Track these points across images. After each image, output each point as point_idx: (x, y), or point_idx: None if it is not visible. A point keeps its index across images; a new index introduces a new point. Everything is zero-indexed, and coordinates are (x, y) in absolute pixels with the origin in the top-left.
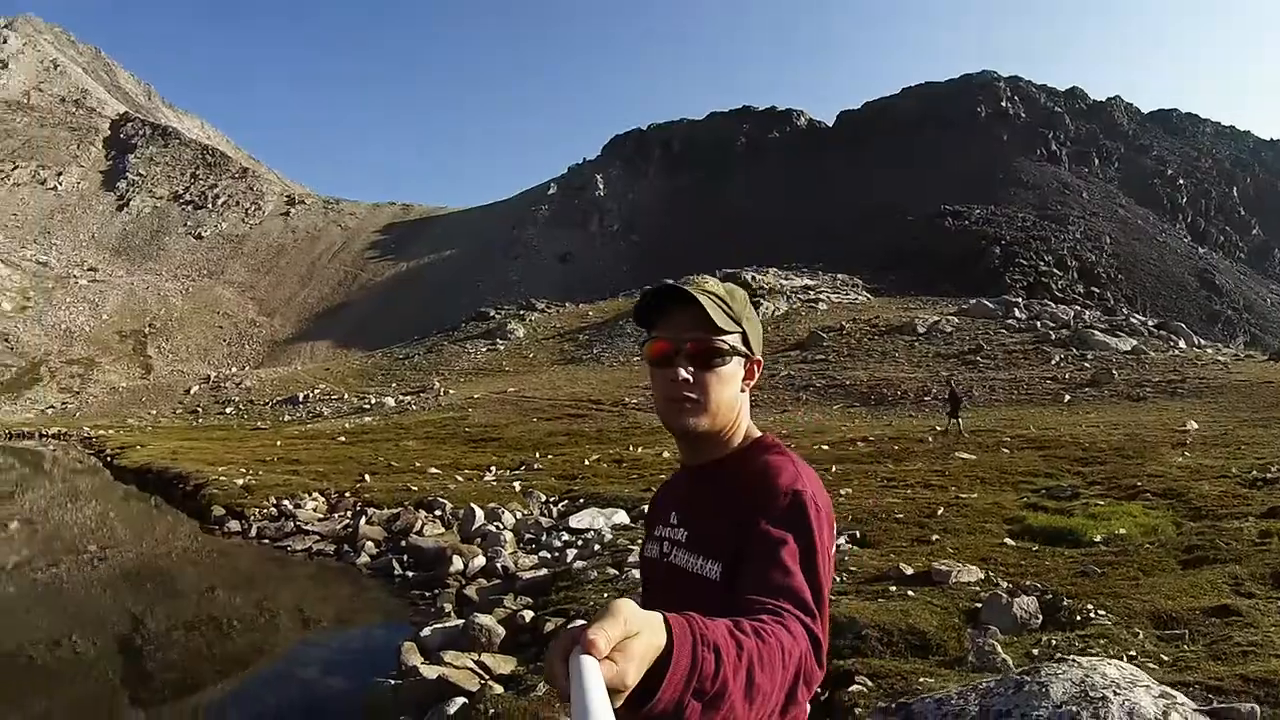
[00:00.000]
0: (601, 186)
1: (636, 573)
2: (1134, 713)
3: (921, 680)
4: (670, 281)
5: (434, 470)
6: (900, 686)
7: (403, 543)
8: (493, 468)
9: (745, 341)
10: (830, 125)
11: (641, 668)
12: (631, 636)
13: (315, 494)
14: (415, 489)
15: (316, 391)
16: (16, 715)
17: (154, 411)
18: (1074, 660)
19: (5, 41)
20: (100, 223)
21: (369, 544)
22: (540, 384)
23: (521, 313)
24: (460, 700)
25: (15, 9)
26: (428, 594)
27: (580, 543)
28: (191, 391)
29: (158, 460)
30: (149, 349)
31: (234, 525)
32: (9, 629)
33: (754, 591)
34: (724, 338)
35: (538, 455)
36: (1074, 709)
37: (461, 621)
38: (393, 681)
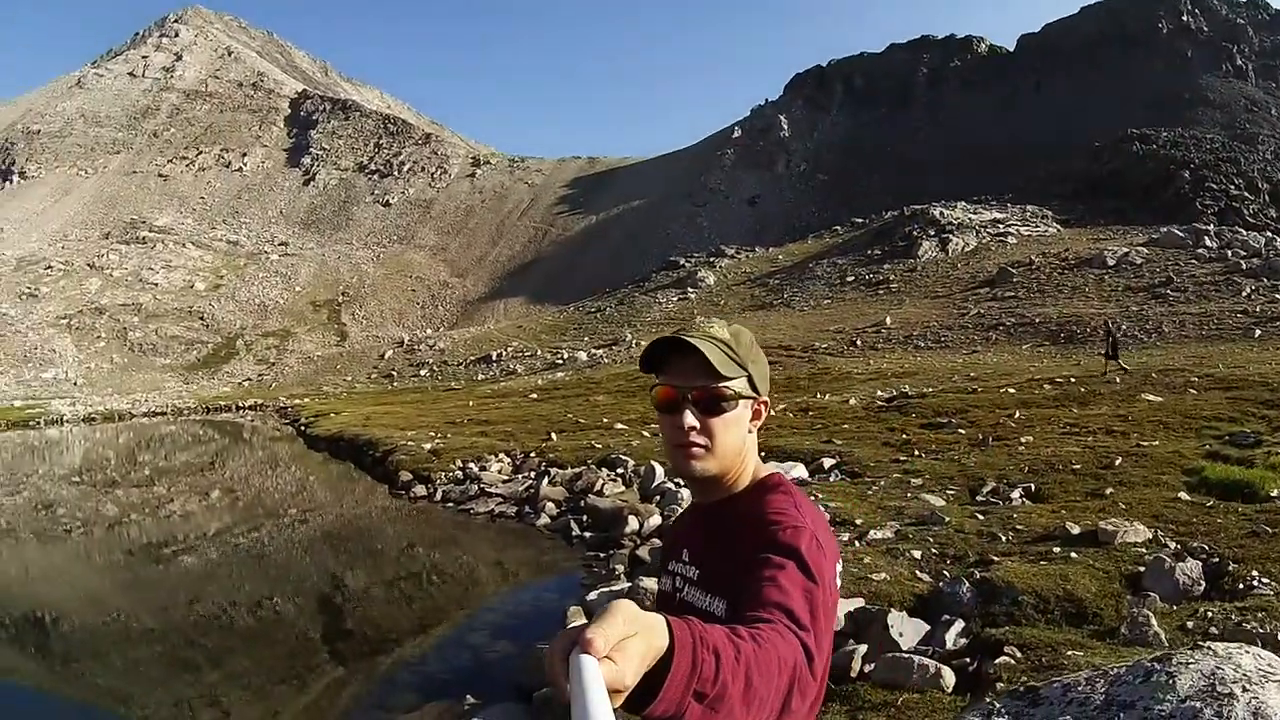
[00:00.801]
0: (785, 127)
1: None
2: (1259, 713)
3: (1069, 654)
4: (672, 334)
5: (620, 426)
6: (1047, 660)
7: (581, 503)
8: None
9: (751, 384)
10: (1010, 50)
11: (641, 668)
12: (631, 637)
13: (501, 455)
14: (599, 446)
15: (510, 349)
16: (225, 668)
17: (349, 378)
18: (1210, 648)
19: (177, 35)
20: (288, 199)
21: (549, 505)
22: None
23: (711, 260)
24: None
25: (183, 1)
26: (602, 555)
27: None
28: (386, 356)
29: (349, 427)
30: (343, 316)
31: (420, 490)
32: (216, 589)
33: (750, 608)
34: (729, 383)
35: None
36: (1197, 705)
37: (628, 585)
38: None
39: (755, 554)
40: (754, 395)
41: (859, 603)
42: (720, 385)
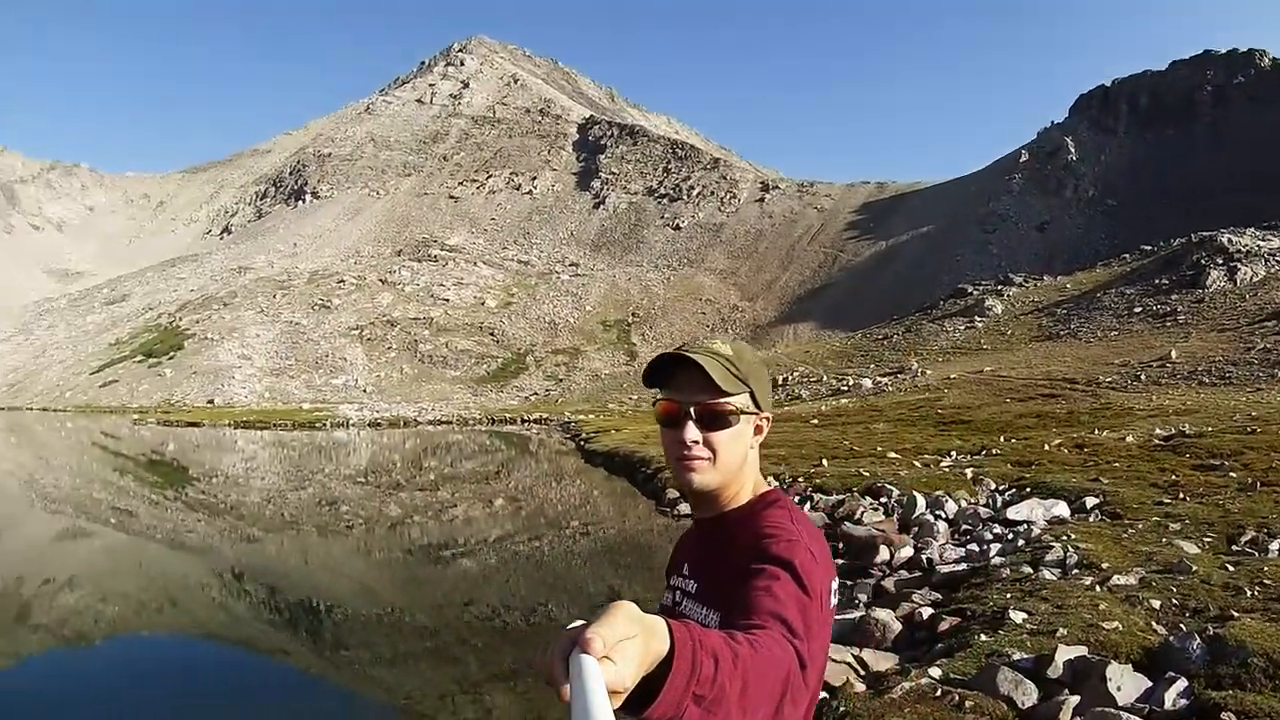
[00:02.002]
0: (1073, 150)
1: (1048, 573)
2: None
3: None
4: (674, 350)
5: (893, 455)
6: None
7: (838, 530)
8: (953, 452)
9: (754, 399)
10: None
11: (641, 669)
12: (631, 638)
13: (770, 478)
14: (867, 474)
15: (796, 374)
16: (491, 668)
17: (635, 396)
18: None
19: (463, 64)
20: (578, 221)
21: None
22: (1016, 362)
23: (999, 288)
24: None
25: (467, 33)
26: (849, 583)
27: (1010, 536)
28: None
29: (626, 444)
30: (633, 336)
31: (684, 508)
32: (491, 593)
33: (745, 615)
34: (730, 399)
35: (1001, 439)
36: None
37: (859, 615)
38: None
39: (750, 565)
40: (755, 411)
41: (1081, 651)
42: (721, 400)
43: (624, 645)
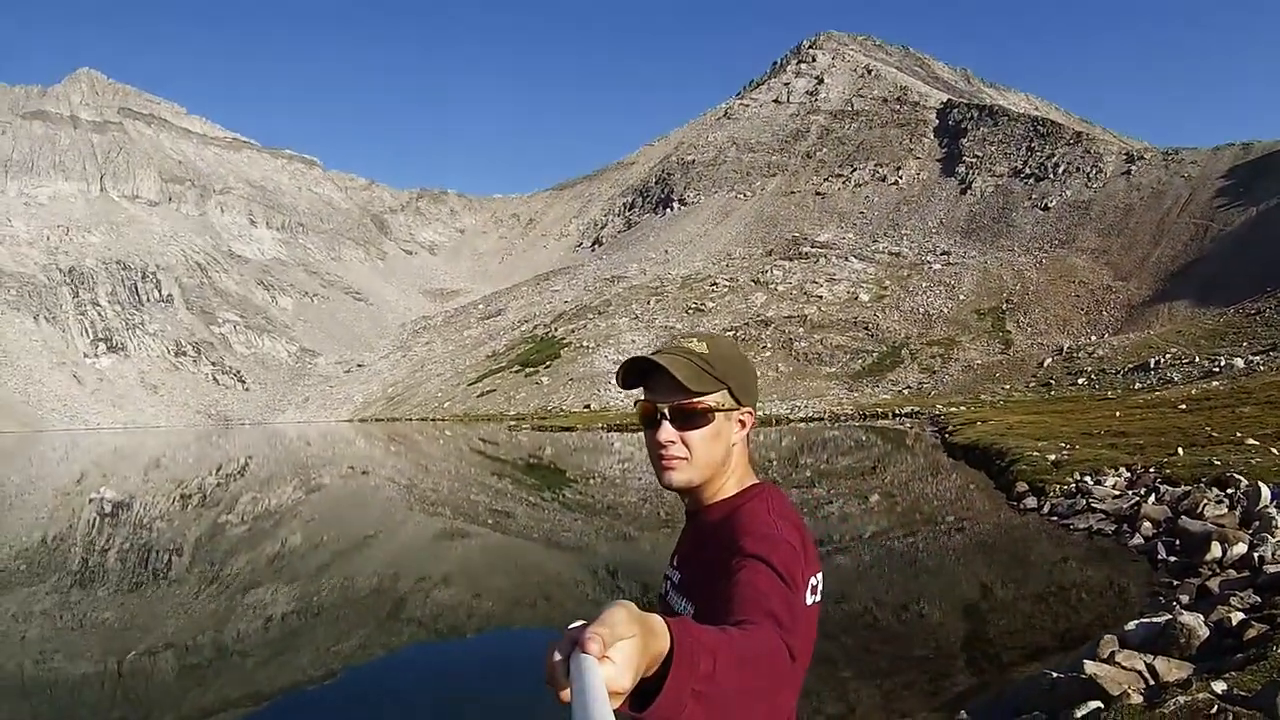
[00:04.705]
0: None
1: None
2: None
3: None
4: (642, 354)
5: (1251, 441)
6: None
7: (1175, 525)
8: None
9: (733, 395)
10: None
11: (640, 669)
12: (631, 638)
13: (1121, 469)
14: (1219, 463)
15: (1168, 356)
16: (859, 665)
17: (1007, 386)
18: None
19: (814, 60)
20: (945, 208)
21: (1146, 524)
22: None
23: None
24: (1093, 705)
25: (816, 28)
26: (1176, 582)
27: None
28: (1045, 364)
29: (986, 436)
30: (1007, 324)
31: (1030, 502)
32: (862, 589)
33: (732, 610)
34: (703, 398)
35: None
36: None
37: (1166, 618)
38: (1055, 675)
39: (730, 558)
40: (735, 406)
41: None
42: (694, 400)
43: (624, 645)
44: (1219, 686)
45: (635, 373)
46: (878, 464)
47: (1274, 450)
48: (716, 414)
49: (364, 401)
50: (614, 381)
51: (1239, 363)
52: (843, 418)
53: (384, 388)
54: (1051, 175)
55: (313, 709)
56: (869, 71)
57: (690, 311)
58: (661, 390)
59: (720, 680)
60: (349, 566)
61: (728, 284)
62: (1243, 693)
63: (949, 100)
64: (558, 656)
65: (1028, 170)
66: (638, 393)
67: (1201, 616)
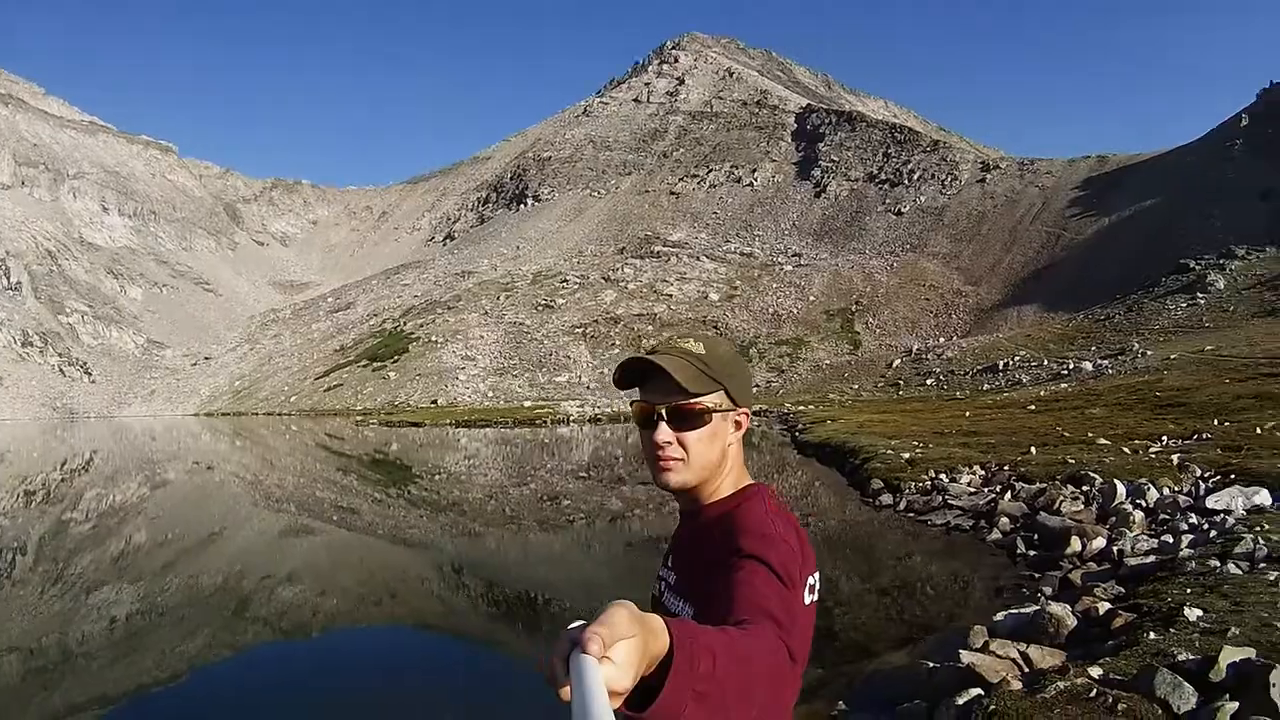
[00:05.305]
0: None
1: (1234, 567)
2: None
3: None
4: (645, 353)
5: (1102, 441)
6: None
7: (1033, 521)
8: (1164, 437)
9: (729, 396)
10: None
11: (639, 669)
12: (630, 638)
13: (975, 467)
14: (1073, 461)
15: (1016, 359)
16: None
17: (855, 386)
18: None
19: (677, 60)
20: (799, 211)
21: (1004, 520)
22: (1238, 340)
23: (1221, 261)
24: (974, 692)
25: (680, 30)
26: (1036, 575)
27: (1205, 526)
28: (894, 365)
29: (838, 434)
30: (856, 325)
31: (886, 499)
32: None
33: (730, 610)
34: (700, 399)
35: (1214, 422)
36: None
37: (1035, 609)
38: (931, 665)
39: (727, 559)
40: (731, 407)
41: (1249, 653)
42: (691, 401)
43: (623, 645)
44: (1095, 672)
45: (631, 373)
46: None
47: (1125, 450)
48: (713, 415)
49: (210, 395)
50: (607, 383)
51: (1087, 366)
52: None
53: (231, 381)
54: (907, 181)
55: (159, 712)
56: (730, 74)
57: (540, 308)
58: (658, 391)
59: (720, 680)
60: (194, 565)
61: (578, 281)
62: (1119, 677)
63: (808, 105)
64: (558, 656)
65: (883, 176)
66: (632, 392)
67: (1069, 606)
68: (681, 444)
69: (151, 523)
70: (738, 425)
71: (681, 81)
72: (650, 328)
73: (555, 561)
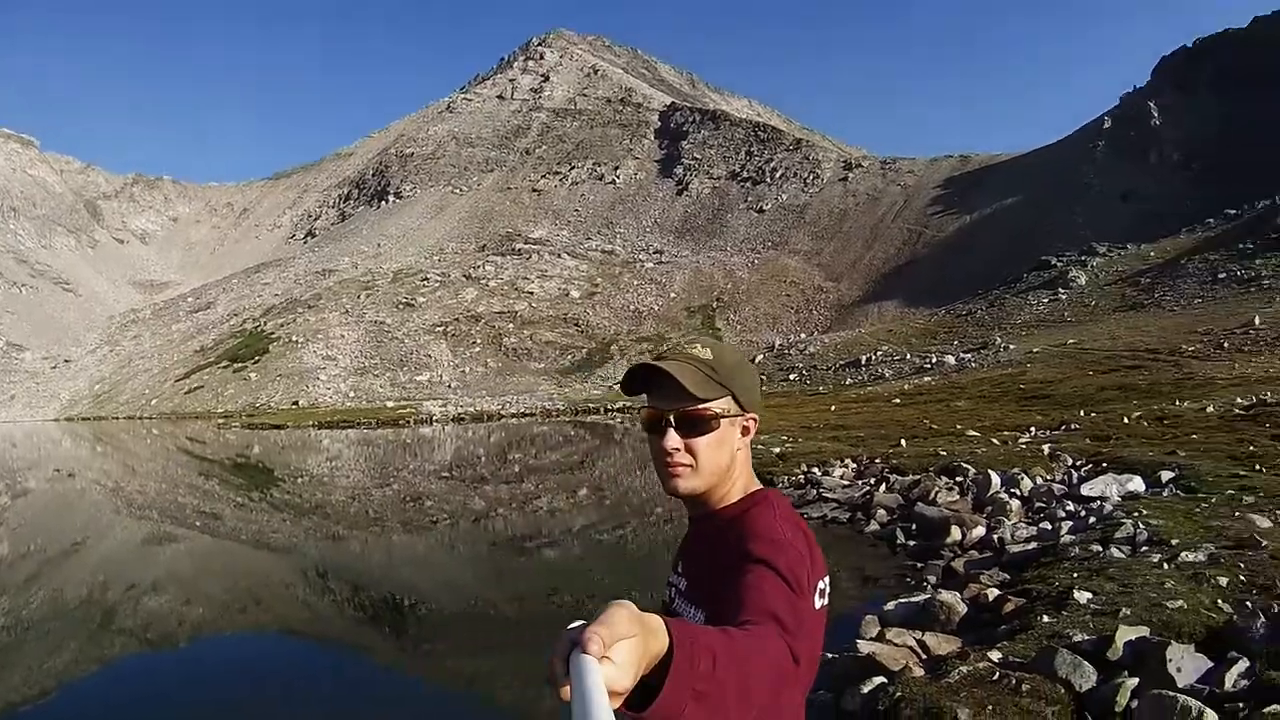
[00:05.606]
0: (1156, 115)
1: (1117, 551)
2: None
3: None
4: (653, 359)
5: (972, 433)
6: None
7: (911, 511)
8: (1032, 428)
9: (737, 401)
10: None
11: (640, 669)
12: (630, 638)
13: (847, 460)
14: (944, 453)
15: (879, 353)
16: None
17: None
18: None
19: (543, 57)
20: (661, 208)
21: (881, 511)
22: (1099, 334)
23: (1082, 258)
24: (878, 680)
25: (546, 27)
26: (919, 565)
27: (1082, 513)
28: (756, 360)
29: None
30: (717, 322)
31: None
32: (578, 582)
33: (735, 612)
34: (708, 404)
35: (1081, 413)
36: None
37: (926, 596)
38: (830, 655)
39: (736, 564)
40: (739, 413)
41: (1143, 632)
42: (699, 407)
43: (623, 645)
44: (995, 655)
45: (639, 379)
46: (586, 458)
47: (995, 441)
48: (721, 420)
49: (70, 399)
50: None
51: (950, 360)
52: (554, 413)
53: (91, 385)
54: (769, 179)
55: None
56: (595, 71)
57: (401, 306)
58: (666, 397)
59: (720, 680)
60: (57, 576)
61: (439, 278)
62: (1019, 659)
63: (673, 103)
64: (558, 656)
65: (745, 174)
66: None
67: (958, 594)
68: (690, 450)
69: (13, 533)
70: (745, 430)
71: (546, 79)
72: (511, 325)
73: (419, 563)
